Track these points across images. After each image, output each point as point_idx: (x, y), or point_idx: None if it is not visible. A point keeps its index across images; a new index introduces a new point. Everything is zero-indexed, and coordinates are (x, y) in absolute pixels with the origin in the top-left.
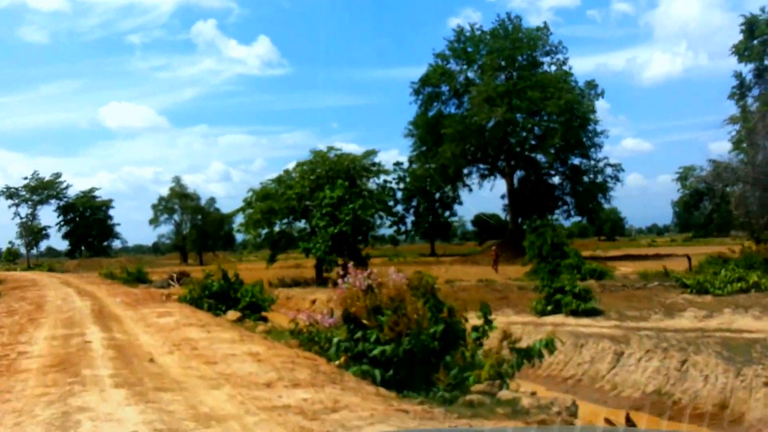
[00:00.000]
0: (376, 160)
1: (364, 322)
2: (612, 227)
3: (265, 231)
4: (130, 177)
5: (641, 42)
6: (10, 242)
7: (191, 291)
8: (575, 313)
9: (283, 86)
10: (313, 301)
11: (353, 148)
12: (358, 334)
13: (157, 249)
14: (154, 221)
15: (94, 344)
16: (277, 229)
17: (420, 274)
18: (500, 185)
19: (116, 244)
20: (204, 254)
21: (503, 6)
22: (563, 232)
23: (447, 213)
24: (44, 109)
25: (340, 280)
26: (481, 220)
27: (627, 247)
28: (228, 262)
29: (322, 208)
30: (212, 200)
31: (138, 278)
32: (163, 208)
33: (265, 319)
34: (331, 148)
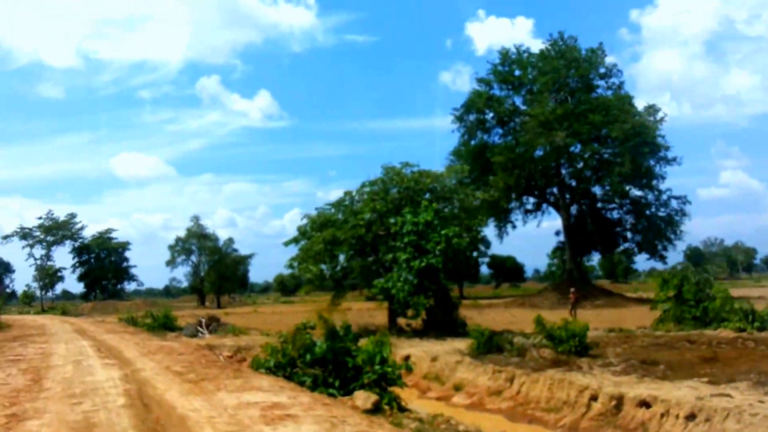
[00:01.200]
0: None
1: None
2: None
3: (325, 266)
4: (140, 224)
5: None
6: (26, 285)
7: (275, 353)
8: None
9: (283, 137)
10: (406, 358)
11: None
12: None
13: (168, 292)
14: (171, 262)
15: None
16: (338, 262)
17: None
18: (550, 221)
19: (131, 287)
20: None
21: (493, 59)
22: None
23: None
24: (59, 159)
25: None
26: (497, 262)
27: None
28: (246, 305)
29: (403, 237)
30: (230, 241)
31: (165, 325)
32: (180, 248)
33: (401, 406)
34: (407, 164)
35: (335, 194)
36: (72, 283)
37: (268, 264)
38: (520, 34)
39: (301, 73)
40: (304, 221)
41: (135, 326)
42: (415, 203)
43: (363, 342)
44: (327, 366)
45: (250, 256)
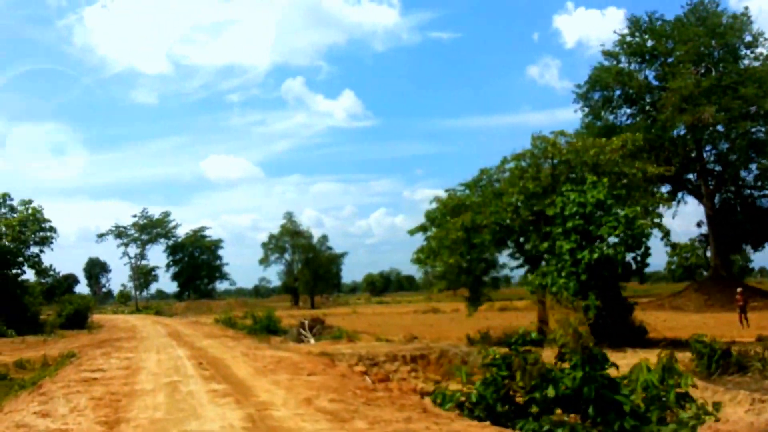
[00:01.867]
0: None
1: None
2: None
3: (465, 259)
4: (229, 224)
5: None
6: (122, 285)
7: (487, 387)
8: None
9: (369, 136)
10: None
11: (439, 194)
12: None
13: (258, 292)
14: (264, 261)
15: None
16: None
17: None
18: (688, 210)
19: (223, 286)
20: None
21: (582, 52)
22: None
23: None
24: (152, 163)
25: None
26: None
27: None
28: (341, 305)
29: (564, 221)
30: (324, 238)
31: (268, 328)
32: (273, 246)
33: None
34: (561, 133)
35: (422, 193)
36: (166, 283)
37: (355, 263)
38: (612, 25)
39: (385, 72)
40: (433, 205)
41: (234, 329)
42: (573, 180)
43: None
44: (583, 408)
45: (342, 255)
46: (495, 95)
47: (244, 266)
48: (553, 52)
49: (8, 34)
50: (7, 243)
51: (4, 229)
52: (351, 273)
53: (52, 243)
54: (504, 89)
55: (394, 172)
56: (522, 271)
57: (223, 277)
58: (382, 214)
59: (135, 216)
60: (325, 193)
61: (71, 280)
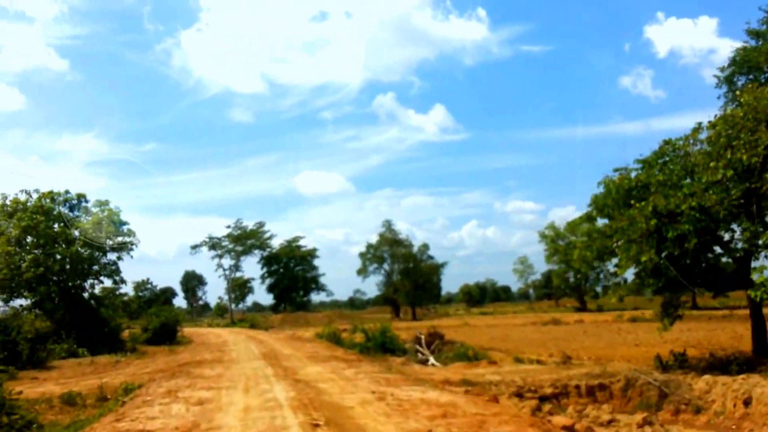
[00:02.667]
0: None
1: None
2: None
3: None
4: (322, 239)
5: None
6: (219, 297)
7: None
8: None
9: (460, 149)
10: None
11: (530, 206)
12: None
13: (353, 304)
14: (362, 271)
15: None
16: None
17: None
18: None
19: (319, 297)
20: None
21: (674, 62)
22: None
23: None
24: (248, 179)
25: None
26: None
27: None
28: (444, 316)
29: None
30: (425, 247)
31: (383, 345)
32: (371, 256)
33: None
34: None
35: (513, 205)
36: (261, 295)
37: (447, 275)
38: (704, 34)
39: (475, 86)
40: (600, 188)
41: (340, 346)
42: None
43: None
44: None
45: (442, 265)
46: (587, 106)
47: (336, 280)
48: (646, 62)
49: (111, 60)
50: (79, 249)
51: (76, 233)
52: (444, 284)
53: (132, 250)
54: (596, 100)
55: (486, 184)
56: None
57: (320, 288)
58: (474, 226)
59: (228, 227)
60: (416, 206)
61: (169, 293)
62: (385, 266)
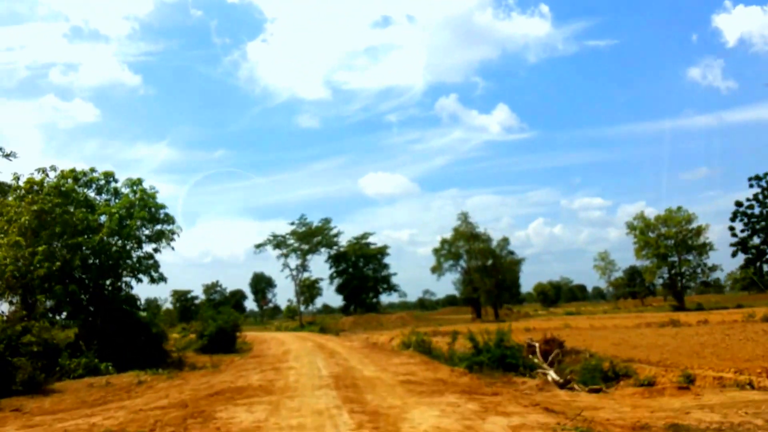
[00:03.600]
0: None
1: None
2: None
3: None
4: (389, 240)
5: None
6: (288, 300)
7: None
8: None
9: (525, 148)
10: None
11: (598, 203)
12: None
13: (422, 305)
14: (437, 268)
15: None
16: None
17: None
18: None
19: (390, 298)
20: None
21: (745, 50)
22: None
23: None
24: (314, 183)
25: None
26: None
27: None
28: (530, 317)
29: None
30: (505, 241)
31: (502, 361)
32: (446, 252)
33: None
34: None
35: (580, 202)
36: (330, 296)
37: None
38: None
39: (539, 84)
40: None
41: (434, 357)
42: None
43: None
44: None
45: (521, 261)
46: (655, 100)
47: (403, 281)
48: (715, 52)
49: (182, 73)
50: (105, 238)
51: (102, 219)
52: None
53: (172, 240)
54: (665, 93)
55: (552, 181)
56: None
57: (392, 288)
58: (540, 224)
59: (293, 224)
60: (482, 205)
61: (239, 295)
62: (461, 263)
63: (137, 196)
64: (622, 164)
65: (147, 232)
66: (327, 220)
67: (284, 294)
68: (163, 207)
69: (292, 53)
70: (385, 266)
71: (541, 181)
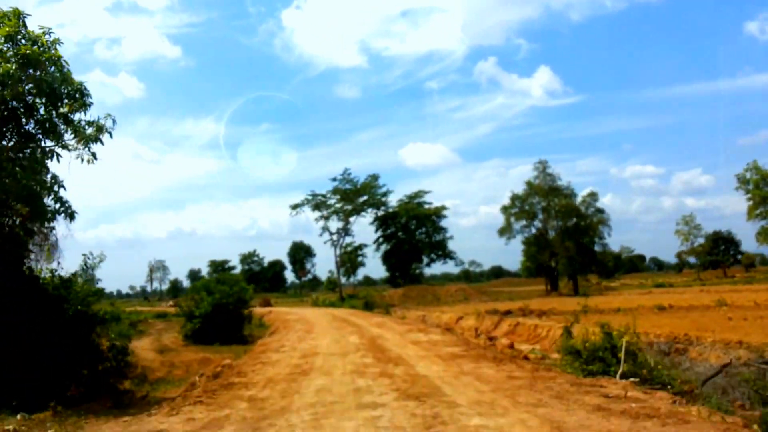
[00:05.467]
0: None
1: None
2: None
3: None
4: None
5: None
6: (329, 272)
7: None
8: None
9: (572, 114)
10: None
11: (650, 171)
12: None
13: (467, 276)
14: (506, 230)
15: None
16: None
17: None
18: None
19: (444, 267)
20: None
21: None
22: None
23: None
24: (356, 154)
25: None
26: None
27: None
28: (609, 292)
29: None
30: (591, 196)
31: None
32: (518, 211)
33: None
34: None
35: (631, 170)
36: (372, 267)
37: None
38: None
39: (584, 44)
40: None
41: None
42: None
43: None
44: None
45: (607, 221)
46: (711, 59)
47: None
48: None
49: (220, 44)
50: None
51: None
52: None
53: (96, 143)
54: (720, 51)
55: (600, 149)
56: None
57: (447, 255)
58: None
59: (335, 180)
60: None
61: (278, 266)
62: (536, 224)
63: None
64: (675, 129)
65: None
66: (374, 177)
67: (325, 265)
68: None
69: (326, 19)
70: (441, 230)
71: (589, 149)
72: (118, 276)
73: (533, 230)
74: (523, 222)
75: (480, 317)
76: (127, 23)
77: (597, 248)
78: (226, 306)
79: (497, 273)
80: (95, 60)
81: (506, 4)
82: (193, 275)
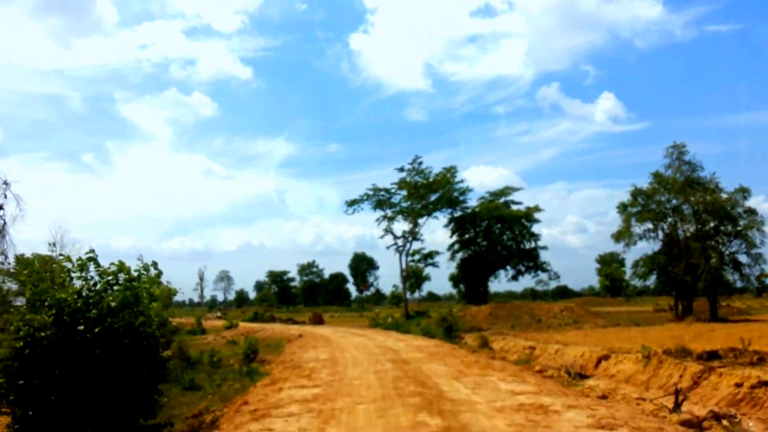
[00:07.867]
0: None
1: None
2: None
3: None
4: None
5: None
6: (394, 286)
7: None
8: None
9: (634, 139)
10: None
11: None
12: None
13: (534, 294)
14: (624, 235)
15: None
16: None
17: None
18: None
19: (529, 282)
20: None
21: None
22: None
23: None
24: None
25: None
26: None
27: None
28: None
29: None
30: (743, 191)
31: None
32: (641, 211)
33: None
34: None
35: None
36: (438, 278)
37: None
38: None
39: (649, 71)
40: None
41: None
42: None
43: None
44: None
45: (761, 224)
46: None
47: None
48: None
49: (290, 67)
50: None
51: None
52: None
53: None
54: None
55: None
56: None
57: (540, 267)
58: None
59: (402, 170)
60: (588, 198)
61: (339, 279)
62: (663, 227)
63: None
64: (742, 156)
65: None
66: (451, 169)
67: (388, 280)
68: None
69: (394, 44)
70: (533, 236)
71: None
72: (188, 286)
73: (660, 234)
74: (648, 225)
75: (655, 362)
76: (201, 45)
77: (743, 259)
78: (111, 330)
79: (563, 293)
80: (171, 79)
81: (571, 29)
82: (259, 286)
